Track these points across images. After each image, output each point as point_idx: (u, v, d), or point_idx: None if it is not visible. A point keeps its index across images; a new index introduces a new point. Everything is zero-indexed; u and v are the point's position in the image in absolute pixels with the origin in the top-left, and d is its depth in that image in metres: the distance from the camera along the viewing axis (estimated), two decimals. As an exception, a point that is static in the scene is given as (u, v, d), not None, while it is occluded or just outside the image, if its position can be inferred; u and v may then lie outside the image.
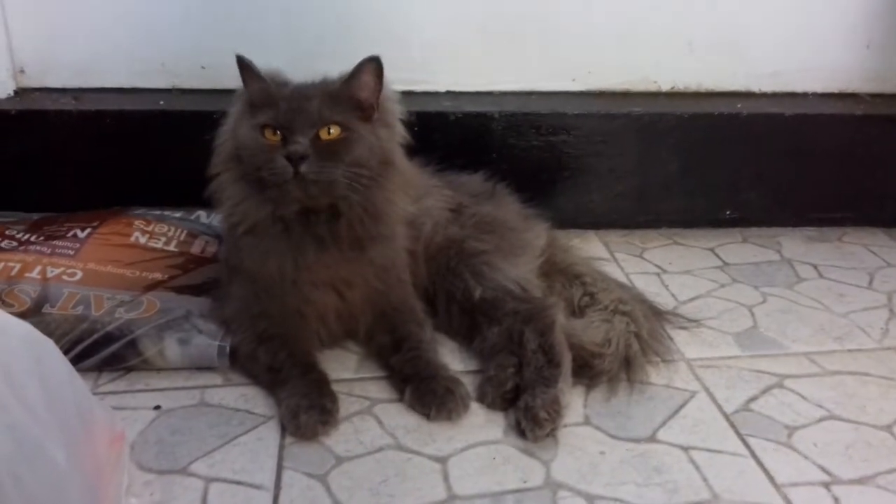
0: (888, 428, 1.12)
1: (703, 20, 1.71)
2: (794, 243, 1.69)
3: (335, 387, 1.13)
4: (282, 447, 1.04)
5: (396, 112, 1.15)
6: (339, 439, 1.06)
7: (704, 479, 1.01)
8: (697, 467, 1.03)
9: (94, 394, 1.02)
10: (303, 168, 1.04)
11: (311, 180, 1.05)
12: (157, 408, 1.11)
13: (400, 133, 1.15)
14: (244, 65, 1.11)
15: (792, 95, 1.78)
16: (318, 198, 1.08)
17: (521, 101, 1.66)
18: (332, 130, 1.07)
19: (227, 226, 1.16)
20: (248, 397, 1.14)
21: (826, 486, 1.02)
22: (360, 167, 1.08)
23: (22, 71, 1.60)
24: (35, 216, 1.50)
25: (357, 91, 1.09)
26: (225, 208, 1.15)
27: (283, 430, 1.07)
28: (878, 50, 1.76)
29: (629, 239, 1.68)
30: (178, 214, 1.49)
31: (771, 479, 1.02)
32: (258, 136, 1.07)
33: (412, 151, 1.22)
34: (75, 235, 1.37)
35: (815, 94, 1.78)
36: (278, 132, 1.06)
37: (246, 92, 1.12)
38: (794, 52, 1.75)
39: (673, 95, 1.75)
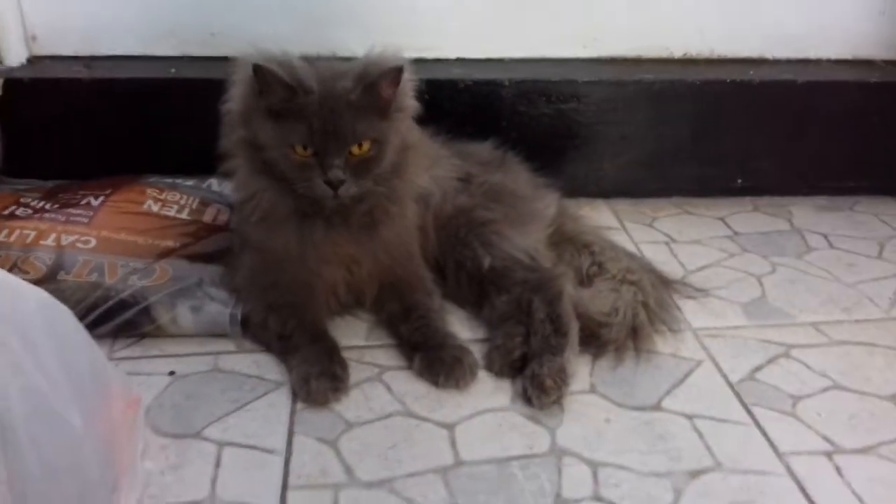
0: (892, 398, 1.13)
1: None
2: (806, 212, 1.69)
3: (345, 354, 1.15)
4: (293, 412, 1.07)
5: (410, 91, 1.14)
6: (349, 405, 1.08)
7: (708, 447, 1.03)
8: (701, 435, 1.05)
9: (110, 360, 1.05)
10: (341, 190, 1.06)
11: (346, 195, 1.07)
12: (172, 373, 1.13)
13: (413, 108, 1.15)
14: (266, 71, 1.04)
15: (805, 62, 1.76)
16: (348, 205, 1.10)
17: (532, 68, 1.65)
18: (363, 146, 1.07)
19: (240, 208, 1.17)
20: (259, 364, 1.16)
21: (828, 455, 1.03)
22: (386, 168, 1.10)
23: (34, 38, 1.60)
24: (49, 184, 1.51)
25: (379, 96, 1.08)
26: (241, 194, 1.15)
27: (295, 396, 1.09)
28: (892, 16, 1.74)
29: (639, 208, 1.68)
30: (190, 182, 1.50)
31: (774, 447, 1.04)
32: (288, 152, 1.06)
33: (422, 120, 1.21)
34: (89, 203, 1.38)
35: (828, 61, 1.76)
36: (309, 148, 1.06)
37: (264, 97, 1.06)
38: (808, 18, 1.73)
39: (685, 62, 1.73)
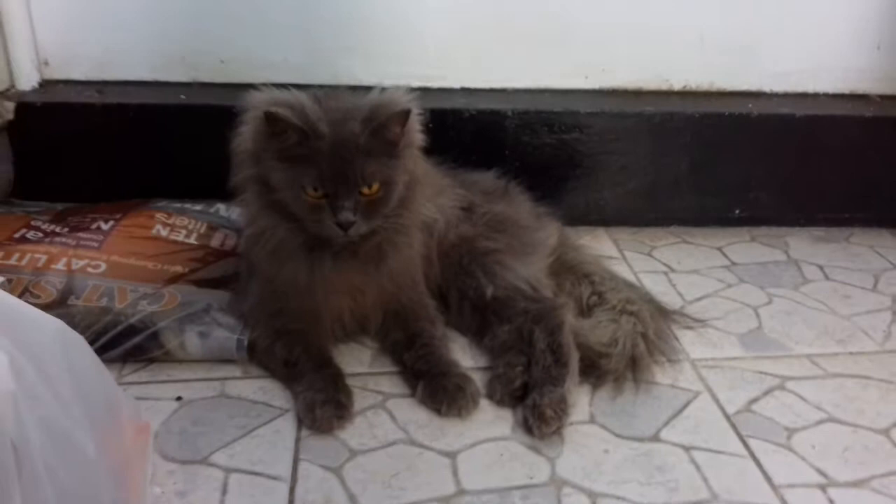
0: (885, 432, 1.16)
1: (716, 20, 1.72)
2: (802, 243, 1.72)
3: (349, 381, 1.17)
4: (298, 440, 1.09)
5: (417, 126, 1.16)
6: (354, 433, 1.10)
7: (704, 479, 1.05)
8: (698, 467, 1.07)
9: (119, 384, 1.06)
10: (351, 231, 1.09)
11: (356, 234, 1.10)
12: (179, 399, 1.15)
13: (419, 141, 1.17)
14: (278, 118, 1.05)
15: (803, 96, 1.80)
16: (357, 241, 1.12)
17: (535, 98, 1.69)
18: (373, 187, 1.09)
19: (250, 241, 1.19)
20: (265, 390, 1.18)
21: (822, 488, 1.05)
22: (394, 204, 1.12)
23: (46, 63, 1.64)
24: (59, 206, 1.54)
25: (387, 137, 1.10)
26: (251, 229, 1.17)
27: (300, 422, 1.11)
28: (888, 51, 1.78)
29: (639, 237, 1.70)
30: (198, 207, 1.53)
31: (769, 479, 1.06)
32: (300, 193, 1.08)
33: (426, 149, 1.23)
34: (99, 227, 1.41)
35: (825, 95, 1.80)
36: (320, 190, 1.08)
37: (275, 141, 1.08)
38: (806, 53, 1.77)
39: (685, 94, 1.77)
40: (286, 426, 1.11)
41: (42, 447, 0.77)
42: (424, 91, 1.63)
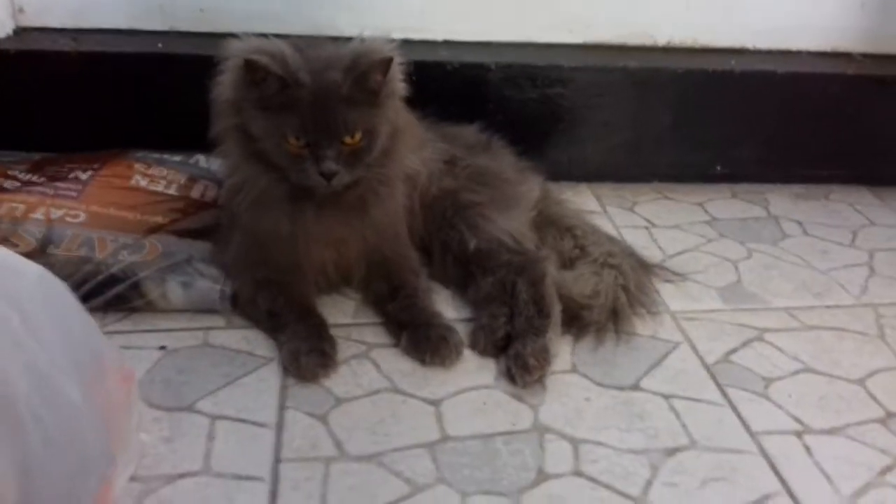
0: (860, 382, 1.18)
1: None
2: (782, 200, 1.73)
3: (333, 331, 1.17)
4: (283, 388, 1.09)
5: (399, 75, 1.15)
6: (338, 381, 1.11)
7: (683, 426, 1.07)
8: (677, 415, 1.09)
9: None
10: (334, 180, 1.08)
11: (339, 184, 1.09)
12: (163, 348, 1.15)
13: (401, 91, 1.16)
14: (258, 65, 1.04)
15: (785, 53, 1.79)
16: (340, 191, 1.12)
17: (519, 52, 1.67)
18: (355, 136, 1.08)
19: (231, 191, 1.18)
20: (249, 339, 1.18)
21: (798, 434, 1.08)
22: (377, 154, 1.12)
23: (21, 10, 1.59)
24: (36, 156, 1.51)
25: (369, 86, 1.09)
26: (232, 179, 1.16)
27: (285, 371, 1.12)
28: (872, 10, 1.78)
29: (620, 192, 1.71)
30: (177, 158, 1.51)
31: (746, 427, 1.08)
32: (281, 143, 1.07)
33: (409, 102, 1.22)
34: (77, 177, 1.38)
35: (808, 53, 1.80)
36: (302, 139, 1.07)
37: (256, 89, 1.07)
38: (789, 9, 1.76)
39: (668, 50, 1.76)
40: (270, 375, 1.11)
41: (27, 394, 0.76)
42: (407, 43, 1.60)
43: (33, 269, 0.85)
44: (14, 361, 0.76)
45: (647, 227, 1.58)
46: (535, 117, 1.64)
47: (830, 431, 1.08)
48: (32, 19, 1.61)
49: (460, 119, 1.50)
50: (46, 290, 0.85)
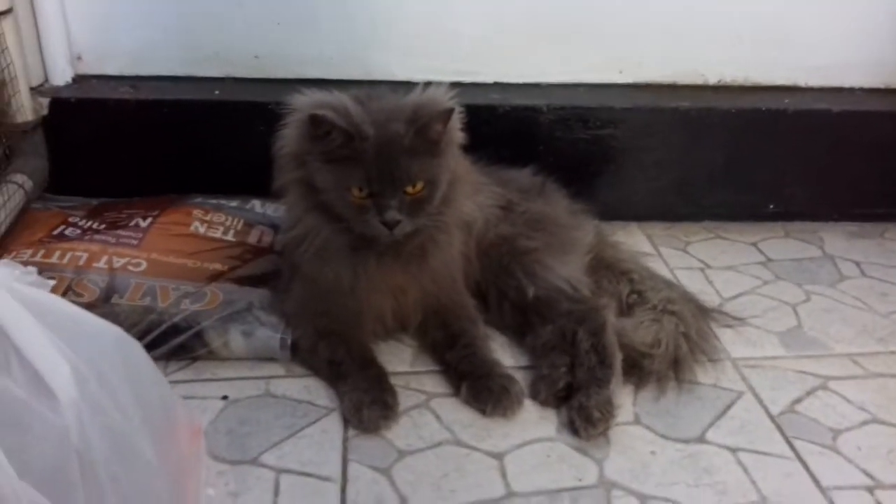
0: (930, 432, 1.16)
1: (751, 12, 1.70)
2: (837, 239, 1.71)
3: (392, 380, 1.17)
4: (345, 440, 1.09)
5: (458, 125, 1.16)
6: (400, 433, 1.11)
7: (753, 482, 1.05)
8: (745, 469, 1.07)
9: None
10: (397, 230, 1.09)
11: (401, 233, 1.10)
12: (225, 398, 1.16)
13: (460, 139, 1.17)
14: (323, 120, 1.06)
15: (837, 90, 1.77)
16: (402, 239, 1.13)
17: (569, 93, 1.68)
18: (417, 186, 1.09)
19: (293, 242, 1.19)
20: (310, 388, 1.19)
21: (870, 490, 1.05)
22: (437, 202, 1.13)
23: (79, 58, 1.63)
24: (94, 202, 1.55)
25: (430, 135, 1.10)
26: (295, 231, 1.17)
27: (346, 422, 1.12)
28: (924, 46, 1.76)
29: (672, 232, 1.70)
30: (234, 203, 1.53)
31: (816, 482, 1.06)
32: (345, 194, 1.09)
33: (462, 146, 1.23)
34: (137, 225, 1.41)
35: (861, 90, 1.78)
36: (365, 190, 1.08)
37: (320, 143, 1.09)
38: (840, 47, 1.75)
39: (719, 88, 1.75)
40: (332, 426, 1.12)
41: (105, 455, 0.77)
42: (458, 85, 1.63)
43: (111, 330, 0.86)
44: (92, 422, 0.78)
45: (701, 269, 1.56)
46: (587, 158, 1.64)
47: (902, 486, 1.06)
48: (91, 67, 1.65)
49: (512, 161, 1.50)
50: (123, 350, 0.86)
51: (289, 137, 1.13)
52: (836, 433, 1.15)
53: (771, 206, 1.74)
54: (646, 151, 1.66)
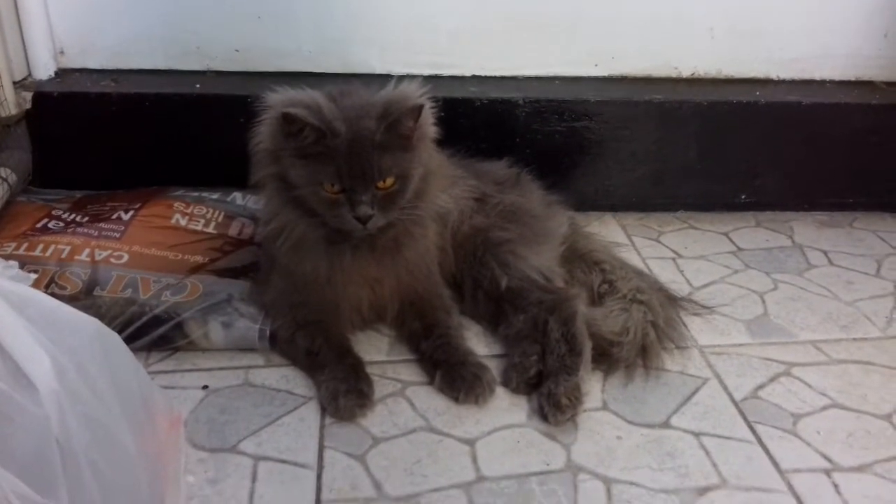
0: (888, 417, 1.20)
1: (724, 6, 1.73)
2: (807, 228, 1.75)
3: (369, 369, 1.21)
4: (322, 427, 1.13)
5: (430, 119, 1.18)
6: (375, 420, 1.14)
7: (714, 465, 1.09)
8: (708, 453, 1.11)
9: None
10: (370, 224, 1.12)
11: (374, 227, 1.13)
12: (205, 387, 1.19)
13: (432, 134, 1.20)
14: (296, 118, 1.08)
15: (809, 83, 1.81)
16: (376, 233, 1.16)
17: (545, 86, 1.71)
18: (388, 181, 1.12)
19: (270, 236, 1.21)
20: (288, 378, 1.22)
21: (827, 472, 1.09)
22: (410, 196, 1.15)
23: (62, 52, 1.65)
24: (77, 194, 1.57)
25: (401, 131, 1.12)
26: (272, 225, 1.19)
27: (323, 411, 1.15)
28: (895, 39, 1.79)
29: (646, 222, 1.74)
30: (215, 196, 1.55)
31: (776, 465, 1.10)
32: (318, 189, 1.11)
33: (439, 139, 1.24)
34: (119, 217, 1.43)
35: (832, 82, 1.82)
36: (337, 186, 1.11)
37: (293, 140, 1.10)
38: (813, 40, 1.78)
39: (693, 81, 1.79)
40: (310, 414, 1.15)
41: (85, 443, 0.80)
42: (436, 79, 1.66)
43: (90, 324, 0.89)
44: (72, 412, 0.80)
45: (673, 259, 1.60)
46: (563, 150, 1.68)
47: (859, 469, 1.10)
48: (73, 61, 1.67)
49: (488, 154, 1.53)
50: (102, 342, 0.89)
51: (264, 134, 1.16)
52: (797, 418, 1.19)
53: (743, 197, 1.78)
54: (621, 143, 1.69)
